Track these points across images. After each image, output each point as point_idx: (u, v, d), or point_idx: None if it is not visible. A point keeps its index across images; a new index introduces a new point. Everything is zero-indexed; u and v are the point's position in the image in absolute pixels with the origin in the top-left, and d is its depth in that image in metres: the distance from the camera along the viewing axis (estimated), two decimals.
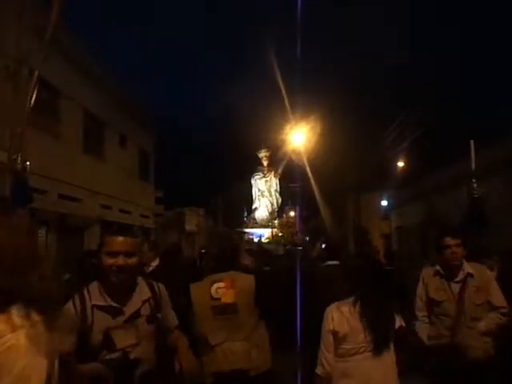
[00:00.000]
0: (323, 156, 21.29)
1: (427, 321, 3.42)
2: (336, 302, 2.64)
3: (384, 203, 23.30)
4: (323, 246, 5.75)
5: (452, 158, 15.66)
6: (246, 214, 32.02)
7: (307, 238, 19.34)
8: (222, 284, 2.89)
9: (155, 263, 4.74)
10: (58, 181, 10.70)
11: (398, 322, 2.63)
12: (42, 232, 9.81)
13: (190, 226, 25.52)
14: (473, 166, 7.43)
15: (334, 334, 2.54)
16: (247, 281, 2.96)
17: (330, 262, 4.95)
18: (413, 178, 19.22)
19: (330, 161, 21.30)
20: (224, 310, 2.84)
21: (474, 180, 7.25)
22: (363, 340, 2.51)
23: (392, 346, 2.56)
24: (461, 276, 3.29)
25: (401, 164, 21.69)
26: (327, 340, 2.57)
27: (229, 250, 3.12)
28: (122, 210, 15.18)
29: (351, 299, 2.60)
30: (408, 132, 20.11)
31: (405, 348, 2.70)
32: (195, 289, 2.99)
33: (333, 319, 2.55)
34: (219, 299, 2.85)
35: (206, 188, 32.68)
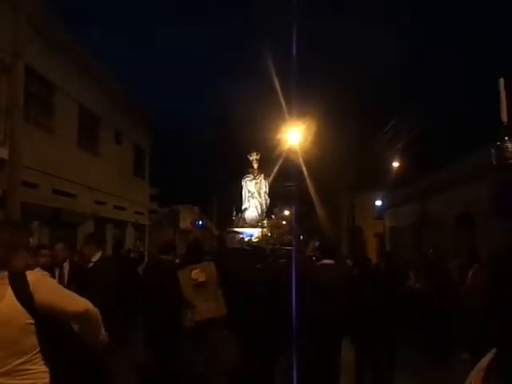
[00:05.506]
0: (319, 155, 21.33)
1: None
2: (480, 367, 1.13)
3: (378, 203, 23.40)
4: (317, 244, 5.74)
5: (447, 159, 15.77)
6: (234, 214, 32.67)
7: (301, 237, 19.34)
8: (197, 270, 4.66)
9: (95, 258, 4.66)
10: (52, 176, 10.63)
11: None
12: (34, 226, 9.75)
13: (184, 223, 25.50)
14: (504, 116, 4.38)
15: None
16: (211, 267, 4.78)
17: (325, 261, 4.95)
18: (407, 179, 19.31)
19: (325, 160, 21.37)
20: (200, 285, 4.60)
21: (506, 138, 4.24)
22: None
23: None
24: None
25: (396, 164, 21.78)
26: None
27: (195, 253, 5.07)
28: (116, 207, 15.12)
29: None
30: (404, 133, 20.18)
31: None
32: (181, 273, 4.69)
33: None
34: (196, 279, 4.61)
35: (201, 186, 32.76)
